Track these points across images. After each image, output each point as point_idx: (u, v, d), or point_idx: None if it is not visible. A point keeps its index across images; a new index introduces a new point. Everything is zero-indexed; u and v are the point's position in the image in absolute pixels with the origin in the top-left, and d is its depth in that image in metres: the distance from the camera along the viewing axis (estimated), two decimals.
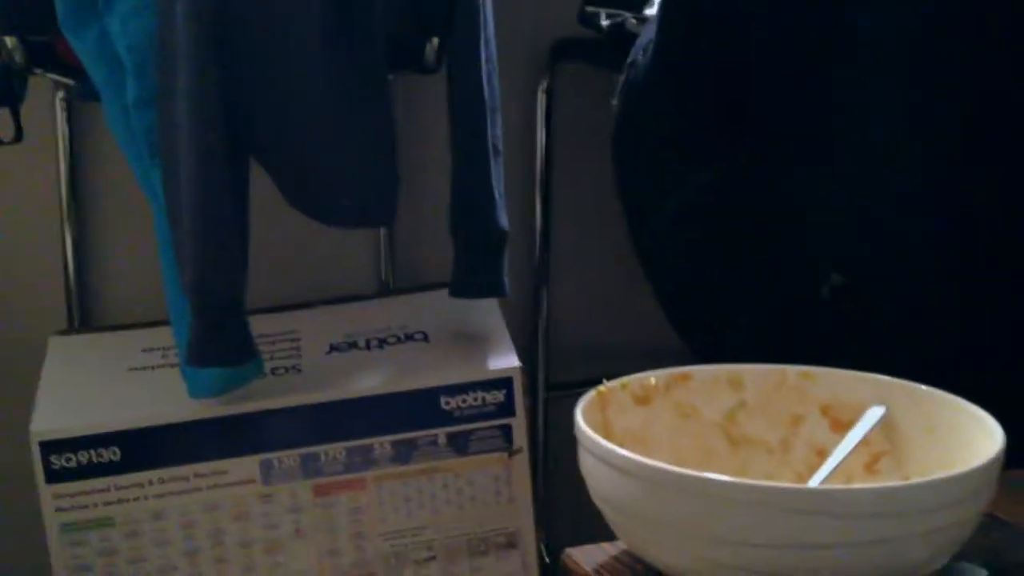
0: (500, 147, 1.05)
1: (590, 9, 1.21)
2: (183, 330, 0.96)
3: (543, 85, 1.35)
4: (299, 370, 1.07)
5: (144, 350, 1.10)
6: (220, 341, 0.92)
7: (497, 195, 1.04)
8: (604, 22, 1.18)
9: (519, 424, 1.05)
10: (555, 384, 1.40)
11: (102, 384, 1.05)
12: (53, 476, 0.98)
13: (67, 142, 1.25)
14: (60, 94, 1.25)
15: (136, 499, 1.00)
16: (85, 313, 1.26)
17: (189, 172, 0.90)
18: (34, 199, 1.26)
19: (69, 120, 1.25)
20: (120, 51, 0.95)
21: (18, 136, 1.09)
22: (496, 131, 1.04)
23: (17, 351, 1.21)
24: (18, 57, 1.01)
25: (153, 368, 1.07)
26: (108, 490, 0.99)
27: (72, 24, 0.96)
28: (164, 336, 1.10)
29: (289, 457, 1.02)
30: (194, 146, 0.89)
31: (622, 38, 1.12)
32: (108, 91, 0.98)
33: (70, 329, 1.21)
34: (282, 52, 0.94)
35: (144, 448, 1.00)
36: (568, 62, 1.35)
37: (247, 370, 0.97)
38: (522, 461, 1.06)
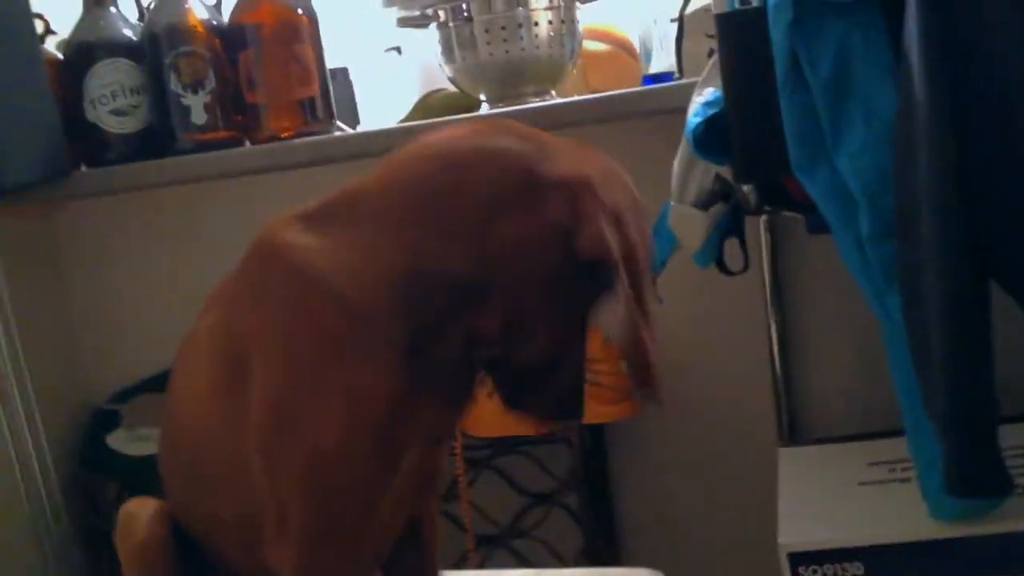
0: None
1: None
2: (924, 450, 0.98)
3: None
4: None
5: (870, 464, 1.15)
6: (979, 471, 0.92)
7: None
8: None
9: None
10: None
11: (837, 497, 1.11)
12: None
13: (771, 266, 1.37)
14: (763, 221, 1.37)
15: None
16: (793, 425, 1.35)
17: (940, 305, 0.92)
18: (743, 319, 1.39)
19: (773, 245, 1.36)
20: (852, 187, 1.02)
21: (745, 266, 1.20)
22: None
23: (746, 460, 1.34)
24: (752, 200, 1.12)
25: (883, 483, 1.11)
26: None
27: (804, 166, 1.05)
28: (887, 450, 1.15)
29: None
30: (943, 280, 0.92)
31: None
32: (840, 225, 1.04)
33: (794, 441, 1.30)
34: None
35: (887, 564, 1.03)
36: None
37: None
38: None
